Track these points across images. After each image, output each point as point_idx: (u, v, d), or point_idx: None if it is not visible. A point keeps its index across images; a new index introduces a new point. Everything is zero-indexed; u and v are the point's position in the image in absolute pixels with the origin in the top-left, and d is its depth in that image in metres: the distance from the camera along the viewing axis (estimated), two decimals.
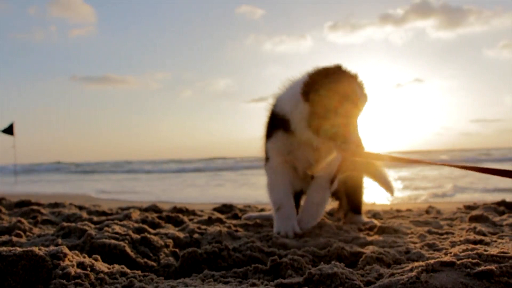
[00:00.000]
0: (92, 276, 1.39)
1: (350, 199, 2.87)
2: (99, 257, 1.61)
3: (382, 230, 2.41)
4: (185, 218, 2.90)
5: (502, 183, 7.39)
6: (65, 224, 2.19)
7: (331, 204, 3.07)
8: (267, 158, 2.53)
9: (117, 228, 2.11)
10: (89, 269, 1.43)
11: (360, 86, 2.23)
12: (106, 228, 2.09)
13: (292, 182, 2.51)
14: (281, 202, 2.42)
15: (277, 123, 2.42)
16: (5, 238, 2.03)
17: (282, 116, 2.36)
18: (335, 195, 2.94)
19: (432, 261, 1.30)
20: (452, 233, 2.30)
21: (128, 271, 1.53)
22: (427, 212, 3.55)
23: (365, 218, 2.93)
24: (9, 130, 13.50)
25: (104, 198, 7.41)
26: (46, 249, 1.46)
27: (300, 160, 2.43)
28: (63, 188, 11.34)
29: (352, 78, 2.22)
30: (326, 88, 2.15)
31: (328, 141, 2.22)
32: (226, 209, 3.61)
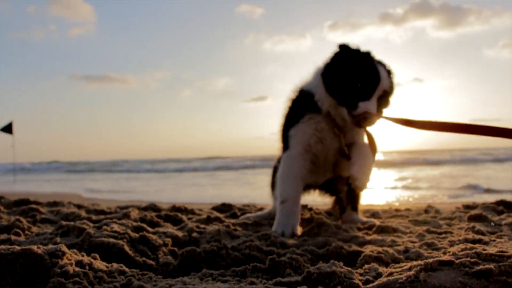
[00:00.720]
0: (91, 274, 1.39)
1: (351, 195, 2.86)
2: (97, 256, 1.60)
3: (381, 230, 2.41)
4: (184, 217, 2.89)
5: (502, 184, 7.38)
6: (63, 222, 2.19)
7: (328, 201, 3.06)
8: (286, 147, 2.51)
9: (115, 227, 2.11)
10: (87, 267, 1.43)
11: (385, 69, 2.35)
12: (104, 227, 2.09)
13: (306, 175, 2.51)
14: (288, 195, 2.39)
15: (304, 107, 2.44)
16: (3, 236, 2.03)
17: (309, 94, 2.42)
18: (332, 189, 2.93)
19: (430, 260, 1.30)
20: (451, 233, 2.30)
21: (127, 269, 1.53)
22: (426, 211, 3.55)
23: (363, 218, 2.93)
24: (8, 129, 13.49)
25: (93, 197, 7.33)
26: (45, 247, 1.45)
27: (327, 147, 2.45)
28: (53, 187, 11.25)
29: (375, 61, 2.35)
30: (345, 58, 2.33)
31: (340, 106, 2.33)
32: (225, 208, 3.61)
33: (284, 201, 2.39)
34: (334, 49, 2.40)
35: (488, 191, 7.08)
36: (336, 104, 2.35)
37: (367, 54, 2.35)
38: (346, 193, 2.87)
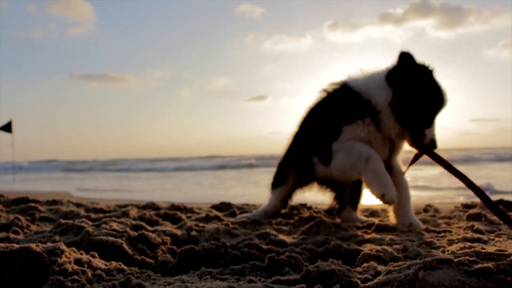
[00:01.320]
0: (89, 272, 1.38)
1: (354, 194, 2.85)
2: (96, 254, 1.60)
3: (380, 228, 2.41)
4: (183, 216, 2.89)
5: (506, 187, 7.30)
6: (62, 221, 2.19)
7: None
8: (334, 137, 2.41)
9: (114, 225, 2.11)
10: (86, 265, 1.43)
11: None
12: (103, 225, 2.09)
13: None
14: (368, 152, 2.29)
15: (361, 109, 2.38)
16: (2, 235, 2.03)
17: (368, 101, 2.37)
18: (336, 186, 2.89)
19: (429, 259, 1.30)
20: (450, 231, 2.30)
21: (125, 268, 1.53)
22: (425, 210, 3.55)
23: (363, 217, 2.93)
24: (7, 128, 13.47)
25: (83, 196, 7.20)
26: (43, 245, 1.45)
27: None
28: (43, 186, 11.14)
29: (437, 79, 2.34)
30: (417, 81, 2.29)
31: (405, 132, 2.36)
32: (224, 207, 3.61)
33: (367, 159, 2.26)
34: (404, 64, 2.33)
35: (500, 192, 6.89)
36: (398, 124, 2.35)
37: (435, 78, 2.34)
38: (349, 192, 2.85)
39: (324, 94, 2.63)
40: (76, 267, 1.38)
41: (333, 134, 2.43)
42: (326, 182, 2.87)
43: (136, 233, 1.95)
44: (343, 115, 2.43)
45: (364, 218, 2.87)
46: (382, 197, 2.19)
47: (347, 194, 2.86)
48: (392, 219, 2.60)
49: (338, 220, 2.86)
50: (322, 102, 2.64)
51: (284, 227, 2.56)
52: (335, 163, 2.43)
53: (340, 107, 2.48)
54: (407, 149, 2.58)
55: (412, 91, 2.30)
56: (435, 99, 2.32)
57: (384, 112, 2.35)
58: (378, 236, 2.17)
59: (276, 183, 2.96)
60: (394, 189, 2.25)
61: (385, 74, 2.40)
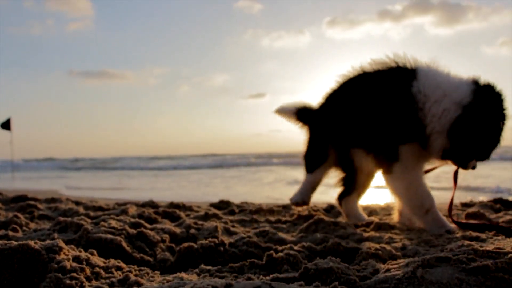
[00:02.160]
0: (88, 270, 1.38)
1: (365, 182, 2.80)
2: (95, 252, 1.60)
3: (378, 227, 2.41)
4: (182, 214, 2.90)
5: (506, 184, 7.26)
6: (61, 218, 2.19)
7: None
8: (394, 157, 2.26)
9: (113, 223, 2.11)
10: (84, 263, 1.43)
11: None
12: (102, 223, 2.09)
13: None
14: (430, 203, 2.24)
15: (414, 126, 2.19)
16: (1, 232, 2.03)
17: (419, 118, 2.17)
18: (348, 169, 2.76)
19: (428, 257, 1.30)
20: None
21: (124, 265, 1.53)
22: None
23: (365, 215, 2.91)
24: (6, 125, 13.47)
25: (72, 195, 7.12)
26: (42, 243, 1.45)
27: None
28: (33, 185, 11.06)
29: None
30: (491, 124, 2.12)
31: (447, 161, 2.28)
32: (223, 205, 3.61)
33: (428, 209, 2.24)
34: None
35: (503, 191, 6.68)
36: (440, 155, 2.21)
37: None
38: (363, 181, 2.78)
39: (384, 67, 2.39)
40: (74, 264, 1.38)
41: (384, 143, 2.30)
42: (341, 163, 2.74)
43: (135, 231, 1.95)
44: (399, 128, 2.24)
45: (366, 217, 2.83)
46: (449, 232, 2.15)
47: (360, 181, 2.77)
48: (395, 218, 2.58)
49: (337, 204, 2.81)
50: (376, 82, 2.39)
51: (283, 225, 2.56)
52: (395, 187, 2.34)
53: (395, 104, 2.25)
54: None
55: (483, 133, 2.11)
56: (498, 141, 2.17)
57: (433, 138, 2.18)
58: (377, 234, 2.17)
59: (316, 162, 2.73)
60: (448, 223, 2.26)
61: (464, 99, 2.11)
